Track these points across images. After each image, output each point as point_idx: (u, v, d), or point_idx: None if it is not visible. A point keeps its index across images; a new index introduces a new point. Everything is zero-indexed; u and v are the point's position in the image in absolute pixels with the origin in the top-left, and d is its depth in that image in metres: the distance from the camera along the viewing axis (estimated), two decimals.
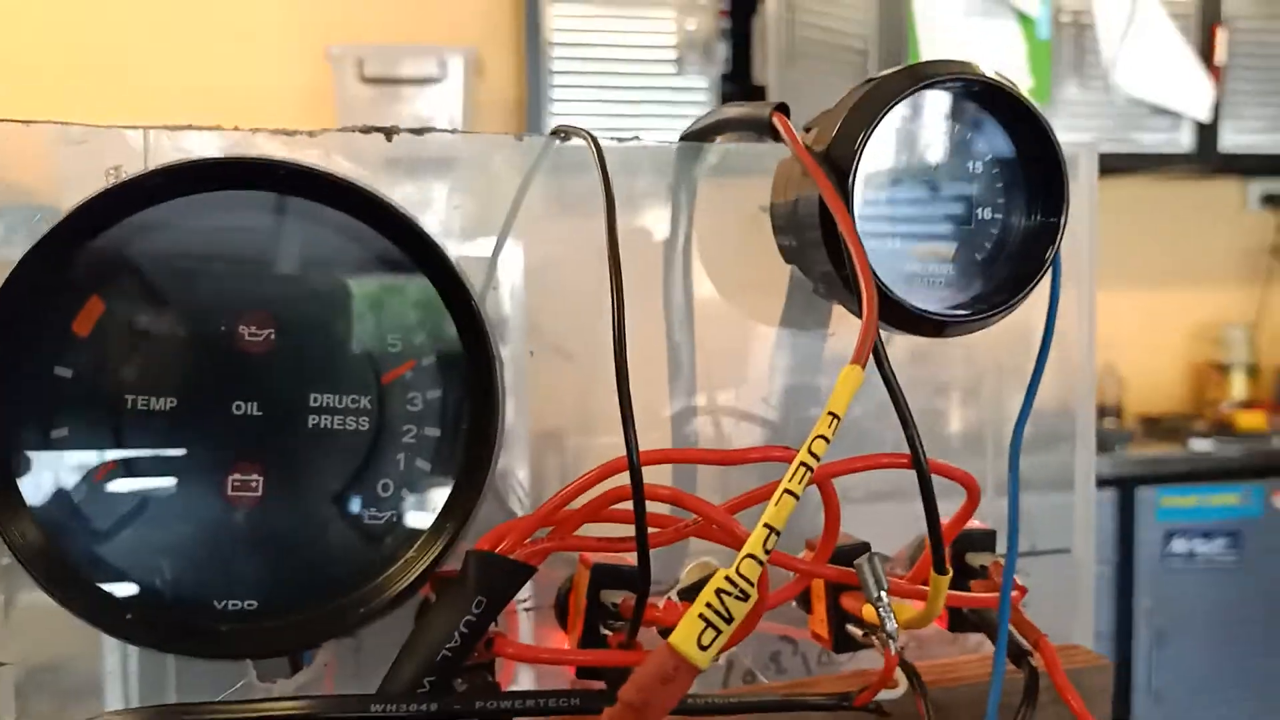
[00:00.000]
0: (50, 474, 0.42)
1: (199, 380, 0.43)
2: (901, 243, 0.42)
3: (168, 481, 0.43)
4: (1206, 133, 2.59)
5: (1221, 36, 2.56)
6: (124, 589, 0.42)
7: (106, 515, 0.42)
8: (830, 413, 0.34)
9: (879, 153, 0.42)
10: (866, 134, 0.40)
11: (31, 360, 0.41)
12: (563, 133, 0.52)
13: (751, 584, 0.33)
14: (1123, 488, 2.39)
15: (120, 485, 0.42)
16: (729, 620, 0.33)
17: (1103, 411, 2.71)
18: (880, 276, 0.40)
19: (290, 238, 0.43)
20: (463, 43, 2.33)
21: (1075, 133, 2.54)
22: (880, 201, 0.42)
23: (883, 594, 0.42)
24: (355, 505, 0.45)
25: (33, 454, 0.41)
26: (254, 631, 0.43)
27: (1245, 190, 2.90)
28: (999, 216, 0.43)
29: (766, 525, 0.33)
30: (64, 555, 0.42)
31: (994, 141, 0.43)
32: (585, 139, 0.48)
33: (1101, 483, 2.35)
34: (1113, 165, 2.63)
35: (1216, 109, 2.57)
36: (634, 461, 0.39)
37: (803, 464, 0.33)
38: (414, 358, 0.45)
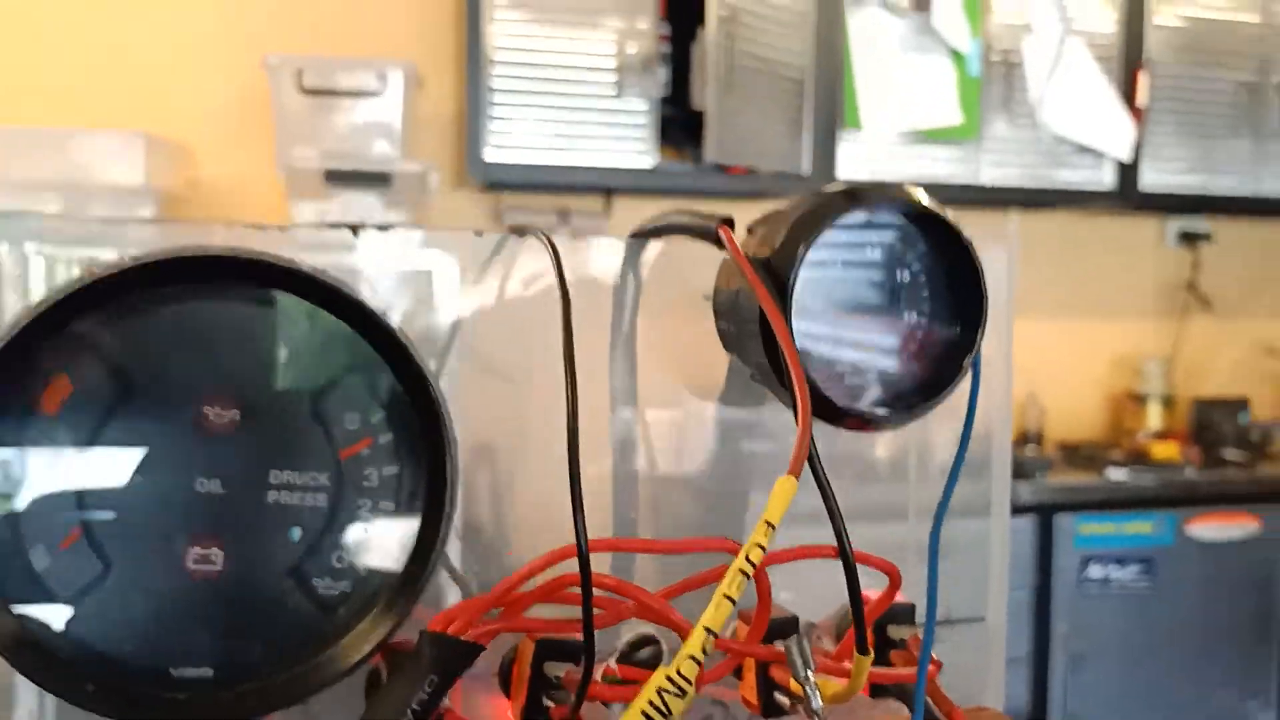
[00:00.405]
0: (13, 543, 0.43)
1: (163, 458, 0.44)
2: (833, 346, 0.45)
3: (130, 553, 0.44)
4: (1128, 172, 2.69)
5: (1143, 79, 2.66)
6: (85, 659, 0.44)
7: (68, 585, 0.43)
8: (766, 522, 0.36)
9: (817, 260, 0.45)
10: (805, 248, 0.43)
11: None
12: (519, 230, 0.55)
13: (690, 682, 0.35)
14: (1042, 514, 2.46)
15: (83, 556, 0.44)
16: (668, 716, 0.35)
17: (1024, 439, 2.79)
18: (813, 375, 0.43)
19: (258, 321, 0.45)
20: (403, 56, 2.34)
21: (1003, 168, 2.62)
22: (815, 307, 0.45)
23: (809, 673, 0.45)
24: (311, 577, 0.47)
25: None
26: (209, 699, 0.45)
27: (1164, 227, 3.02)
28: (924, 322, 0.46)
29: (706, 629, 0.35)
30: (24, 623, 0.43)
31: (923, 256, 0.46)
32: (541, 239, 0.50)
33: (1022, 509, 2.43)
34: (1038, 200, 2.72)
35: (1137, 149, 2.68)
36: (583, 551, 0.41)
37: (741, 571, 0.36)
38: (371, 435, 0.47)
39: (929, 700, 0.49)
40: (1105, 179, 2.68)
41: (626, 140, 2.36)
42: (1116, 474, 2.57)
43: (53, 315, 0.41)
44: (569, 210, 2.65)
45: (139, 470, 0.44)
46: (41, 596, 0.43)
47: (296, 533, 0.46)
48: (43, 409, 0.43)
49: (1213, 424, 2.89)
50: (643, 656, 0.51)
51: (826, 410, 0.45)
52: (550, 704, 0.48)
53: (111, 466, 0.44)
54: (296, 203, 2.15)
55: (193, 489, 0.44)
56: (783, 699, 0.51)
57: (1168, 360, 2.94)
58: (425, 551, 0.47)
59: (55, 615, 0.43)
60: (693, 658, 0.35)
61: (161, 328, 0.44)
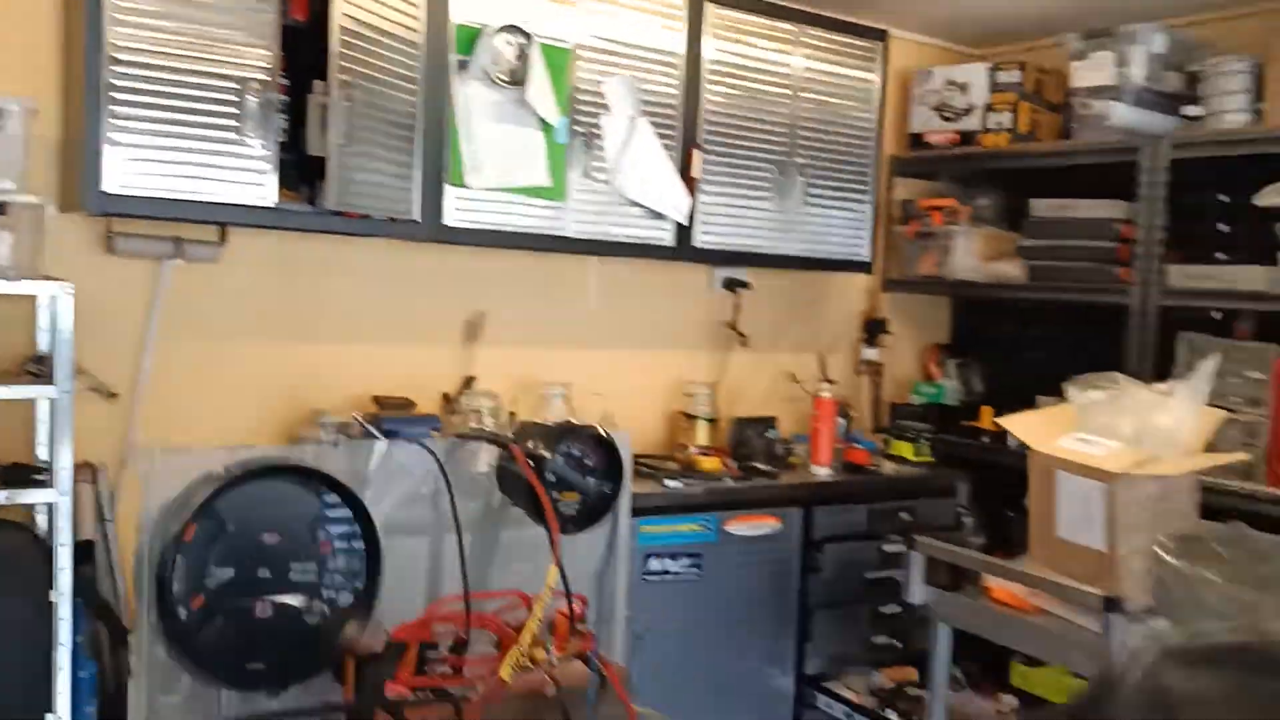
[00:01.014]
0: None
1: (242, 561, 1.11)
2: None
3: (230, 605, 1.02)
4: (684, 230, 3.22)
5: (697, 157, 3.20)
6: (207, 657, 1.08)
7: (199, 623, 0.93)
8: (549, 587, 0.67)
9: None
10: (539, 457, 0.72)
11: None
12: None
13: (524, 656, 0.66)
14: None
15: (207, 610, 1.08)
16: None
17: None
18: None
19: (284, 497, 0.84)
20: (20, 92, 2.32)
21: (584, 224, 3.05)
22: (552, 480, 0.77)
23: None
24: (305, 613, 0.82)
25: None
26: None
27: (712, 276, 3.61)
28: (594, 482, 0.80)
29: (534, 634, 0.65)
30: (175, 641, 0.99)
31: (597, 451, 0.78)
32: (423, 446, 0.83)
33: None
34: (613, 250, 3.17)
35: (692, 213, 3.21)
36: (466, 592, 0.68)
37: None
38: (331, 542, 0.97)
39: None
40: (666, 236, 3.19)
41: (248, 185, 2.49)
42: (672, 484, 3.07)
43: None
44: (182, 239, 2.72)
45: (232, 567, 1.01)
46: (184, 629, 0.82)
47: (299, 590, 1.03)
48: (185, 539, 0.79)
49: (747, 439, 3.50)
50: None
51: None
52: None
53: (218, 563, 0.97)
54: None
55: (256, 574, 1.00)
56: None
57: (713, 386, 3.53)
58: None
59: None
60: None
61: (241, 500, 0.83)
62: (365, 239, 2.92)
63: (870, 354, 3.98)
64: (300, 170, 2.63)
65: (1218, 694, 0.40)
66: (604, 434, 1.35)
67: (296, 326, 2.94)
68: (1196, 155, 3.20)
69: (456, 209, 2.82)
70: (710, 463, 3.26)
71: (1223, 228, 3.36)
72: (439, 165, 2.79)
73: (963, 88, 3.82)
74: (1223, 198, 3.37)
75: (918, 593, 2.60)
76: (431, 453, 1.17)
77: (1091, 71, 3.40)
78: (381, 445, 1.25)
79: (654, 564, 2.97)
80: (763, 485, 3.25)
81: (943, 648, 2.60)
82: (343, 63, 2.51)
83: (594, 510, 1.30)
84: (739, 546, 3.14)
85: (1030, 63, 3.72)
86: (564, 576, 1.03)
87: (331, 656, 1.03)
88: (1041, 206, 3.63)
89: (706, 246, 3.28)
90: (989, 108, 3.75)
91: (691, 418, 3.44)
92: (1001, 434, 3.44)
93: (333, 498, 1.05)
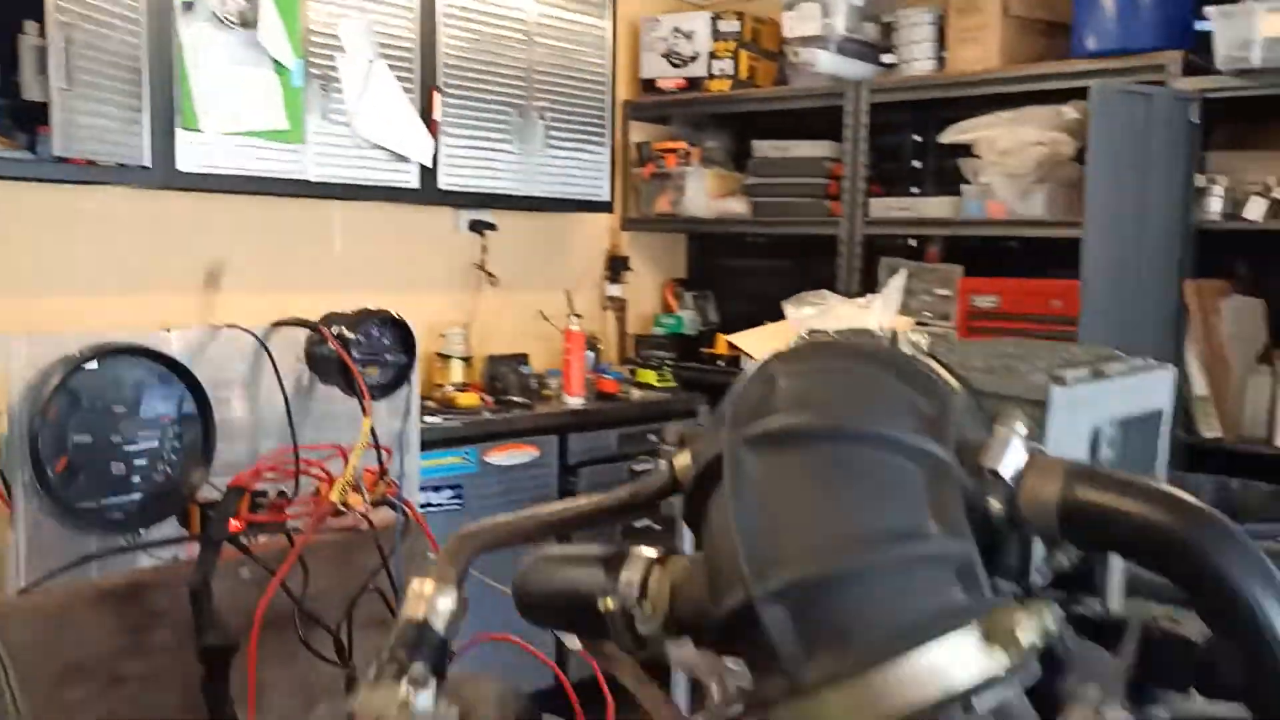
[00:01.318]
0: None
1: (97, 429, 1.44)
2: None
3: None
4: (428, 173, 3.29)
5: (437, 100, 3.26)
6: None
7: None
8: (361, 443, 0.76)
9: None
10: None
11: None
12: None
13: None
14: None
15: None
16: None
17: None
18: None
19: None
20: None
21: (326, 167, 3.06)
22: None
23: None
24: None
25: None
26: None
27: (458, 218, 3.69)
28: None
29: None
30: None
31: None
32: (246, 331, 0.90)
33: None
34: (357, 195, 3.20)
35: (435, 155, 3.28)
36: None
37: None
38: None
39: None
40: (411, 179, 3.25)
41: None
42: (431, 420, 3.16)
43: None
44: None
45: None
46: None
47: None
48: None
49: (502, 375, 3.63)
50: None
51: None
52: None
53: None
54: None
55: (110, 439, 1.45)
56: None
57: (466, 326, 3.63)
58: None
59: None
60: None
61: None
62: (94, 187, 2.81)
63: (614, 290, 4.19)
64: (15, 117, 2.51)
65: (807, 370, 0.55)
66: (396, 316, 1.78)
67: (23, 281, 2.81)
68: (892, 99, 3.57)
69: (190, 154, 2.77)
70: (467, 398, 3.37)
71: (916, 164, 3.78)
72: (169, 109, 2.72)
73: (688, 35, 4.05)
74: (916, 137, 3.78)
75: (665, 505, 2.82)
76: (252, 334, 1.53)
77: (800, 22, 3.71)
78: (209, 331, 1.56)
79: (421, 496, 3.05)
80: (519, 416, 3.39)
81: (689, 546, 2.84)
82: (60, 2, 2.41)
83: (394, 380, 1.70)
84: (499, 475, 3.28)
85: (748, 13, 3.99)
86: (374, 432, 1.39)
87: (177, 503, 1.31)
88: (763, 148, 3.94)
89: (451, 188, 3.36)
90: (713, 55, 4.00)
91: (446, 357, 3.53)
92: (735, 358, 3.74)
93: (171, 375, 1.39)
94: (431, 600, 0.60)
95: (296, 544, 1.32)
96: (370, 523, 1.41)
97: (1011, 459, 0.52)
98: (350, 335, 1.59)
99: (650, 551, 0.65)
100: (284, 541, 1.39)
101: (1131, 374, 0.88)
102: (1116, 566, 0.58)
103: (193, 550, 1.41)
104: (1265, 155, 2.91)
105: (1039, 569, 0.54)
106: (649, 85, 4.18)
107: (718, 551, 0.54)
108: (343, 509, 1.35)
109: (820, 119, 3.71)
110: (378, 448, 1.45)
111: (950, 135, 3.34)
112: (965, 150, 3.34)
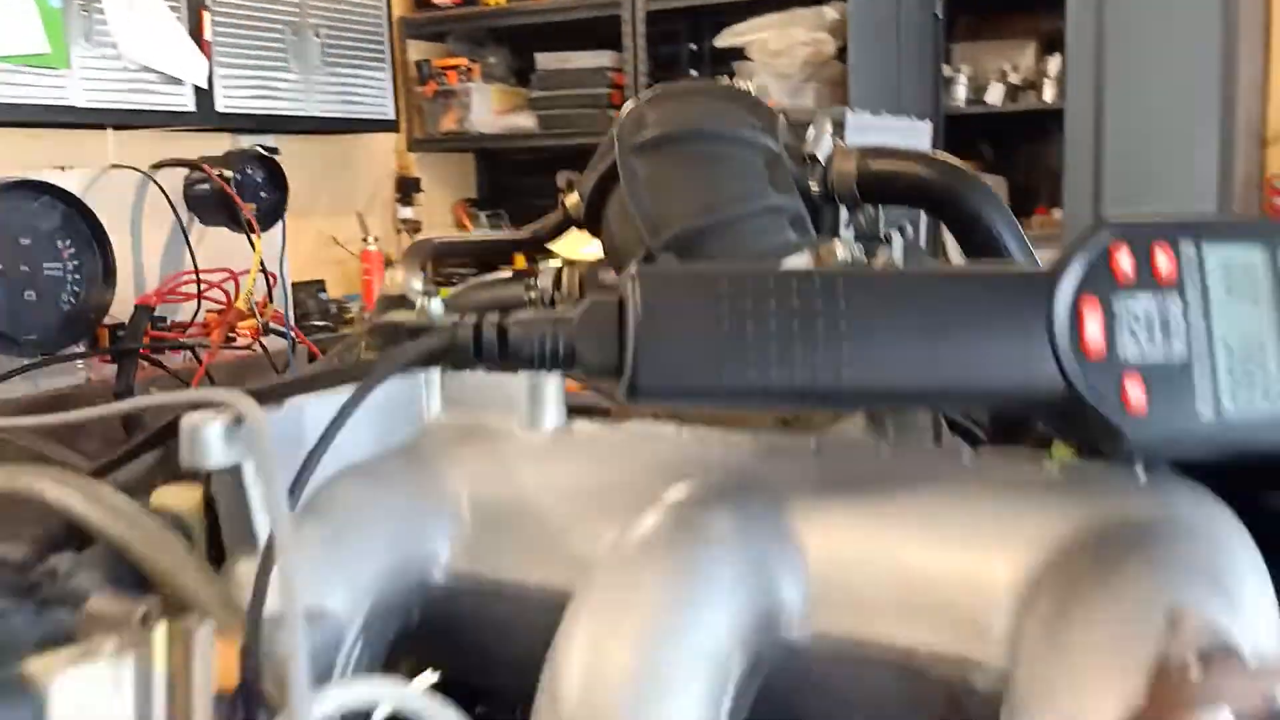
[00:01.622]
0: None
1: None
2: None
3: None
4: (205, 96, 3.17)
5: (207, 18, 3.14)
6: None
7: None
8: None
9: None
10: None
11: None
12: None
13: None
14: None
15: None
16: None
17: None
18: None
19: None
20: None
21: (93, 93, 2.91)
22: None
23: None
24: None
25: None
26: None
27: (238, 143, 3.57)
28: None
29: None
30: None
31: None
32: (138, 170, 0.89)
33: None
34: (130, 121, 3.06)
35: (210, 77, 3.17)
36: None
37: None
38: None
39: None
40: (187, 103, 3.13)
41: None
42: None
43: None
44: None
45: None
46: None
47: None
48: None
49: (301, 302, 3.58)
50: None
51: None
52: None
53: None
54: None
55: (20, 270, 1.44)
56: None
57: None
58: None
59: None
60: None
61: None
62: None
63: (406, 213, 4.17)
64: None
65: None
66: (264, 152, 1.85)
67: None
68: (669, 7, 3.69)
69: None
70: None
71: (693, 72, 3.94)
72: None
73: None
74: (692, 46, 3.93)
75: None
76: (141, 171, 1.67)
77: None
78: (110, 175, 1.66)
79: None
80: (324, 340, 3.37)
81: None
82: None
83: (272, 212, 1.81)
84: None
85: None
86: (262, 261, 1.55)
87: (88, 325, 1.42)
88: (546, 60, 3.99)
89: (230, 110, 3.26)
90: None
91: None
92: (534, 272, 3.82)
93: (72, 211, 1.44)
94: (405, 282, 0.71)
95: (205, 358, 1.46)
96: (264, 347, 1.56)
97: (824, 147, 0.72)
98: (228, 173, 1.71)
99: (557, 261, 0.82)
100: (191, 362, 1.51)
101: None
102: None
103: (101, 369, 1.53)
104: (1003, 44, 3.22)
105: (845, 228, 0.77)
106: (425, 2, 4.14)
107: (617, 234, 0.73)
108: (235, 336, 1.51)
109: (597, 29, 3.79)
110: (266, 274, 1.59)
111: (725, 39, 3.51)
112: (740, 54, 3.52)
